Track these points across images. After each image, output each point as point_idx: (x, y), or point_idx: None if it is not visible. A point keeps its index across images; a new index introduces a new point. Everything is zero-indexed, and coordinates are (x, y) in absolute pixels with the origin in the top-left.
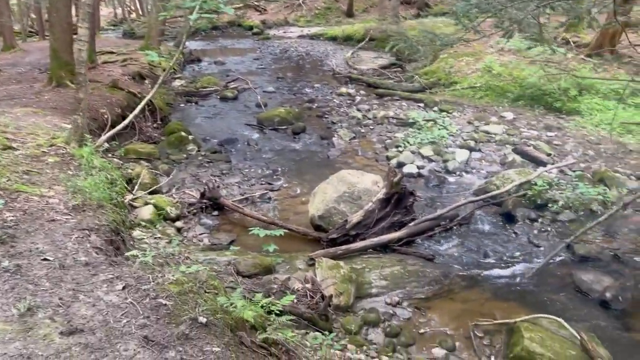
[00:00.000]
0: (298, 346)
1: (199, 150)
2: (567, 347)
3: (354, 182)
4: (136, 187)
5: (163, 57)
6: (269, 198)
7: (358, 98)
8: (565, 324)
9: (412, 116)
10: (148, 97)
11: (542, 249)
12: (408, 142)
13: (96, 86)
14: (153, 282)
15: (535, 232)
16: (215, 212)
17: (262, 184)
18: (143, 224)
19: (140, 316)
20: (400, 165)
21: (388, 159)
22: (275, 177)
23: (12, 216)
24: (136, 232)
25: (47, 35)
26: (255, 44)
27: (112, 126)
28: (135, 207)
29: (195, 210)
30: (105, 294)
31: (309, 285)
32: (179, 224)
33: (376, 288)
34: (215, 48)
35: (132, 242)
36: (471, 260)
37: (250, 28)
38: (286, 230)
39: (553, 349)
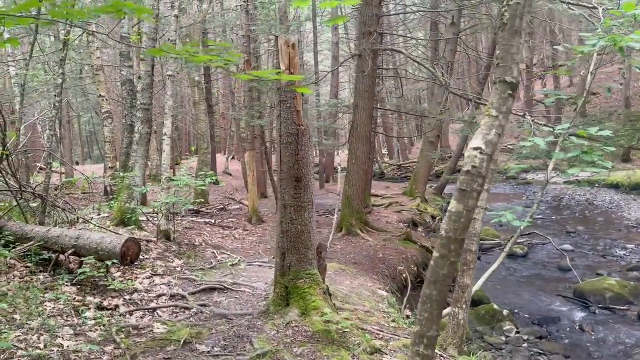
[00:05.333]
0: None
1: (518, 332)
2: None
3: None
4: None
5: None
6: None
7: None
8: None
9: None
10: (495, 264)
11: None
12: None
13: (388, 237)
14: None
15: None
16: None
17: None
18: None
19: None
20: None
21: None
22: None
23: None
24: None
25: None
26: (516, 190)
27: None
28: None
29: None
30: None
31: None
32: None
33: None
34: None
35: None
36: None
37: (505, 171)
38: None
39: None
